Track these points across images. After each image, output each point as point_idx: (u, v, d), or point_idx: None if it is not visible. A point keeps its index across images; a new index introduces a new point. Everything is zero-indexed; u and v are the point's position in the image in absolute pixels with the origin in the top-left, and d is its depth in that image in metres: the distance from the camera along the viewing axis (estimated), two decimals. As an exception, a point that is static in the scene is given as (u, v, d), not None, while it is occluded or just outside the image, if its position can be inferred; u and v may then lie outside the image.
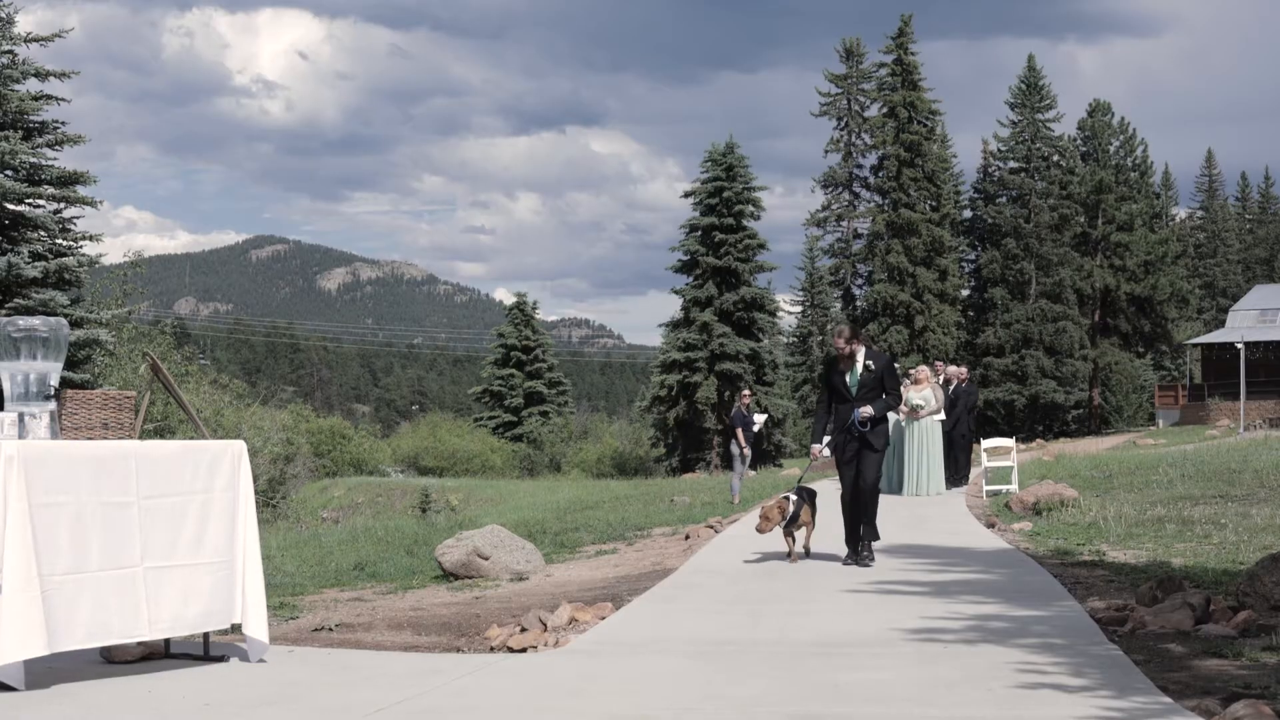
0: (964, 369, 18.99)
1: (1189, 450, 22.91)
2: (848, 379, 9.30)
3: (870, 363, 9.30)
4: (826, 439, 9.50)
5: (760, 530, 9.39)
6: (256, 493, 7.10)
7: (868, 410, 9.16)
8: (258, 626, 5.59)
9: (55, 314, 17.42)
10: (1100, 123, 55.46)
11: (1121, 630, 6.31)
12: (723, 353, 44.85)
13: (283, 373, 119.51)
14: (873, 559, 9.32)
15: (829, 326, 57.25)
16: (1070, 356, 53.36)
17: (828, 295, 58.66)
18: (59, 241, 20.77)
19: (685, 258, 46.86)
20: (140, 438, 5.58)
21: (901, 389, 13.25)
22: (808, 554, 9.68)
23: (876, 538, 9.54)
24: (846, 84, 54.53)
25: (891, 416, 12.40)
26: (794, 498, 9.40)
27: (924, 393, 16.33)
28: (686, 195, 47.23)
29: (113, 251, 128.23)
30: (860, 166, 54.28)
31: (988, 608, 7.15)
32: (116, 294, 27.65)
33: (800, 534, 9.62)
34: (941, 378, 17.94)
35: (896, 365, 12.61)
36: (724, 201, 46.16)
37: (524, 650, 6.01)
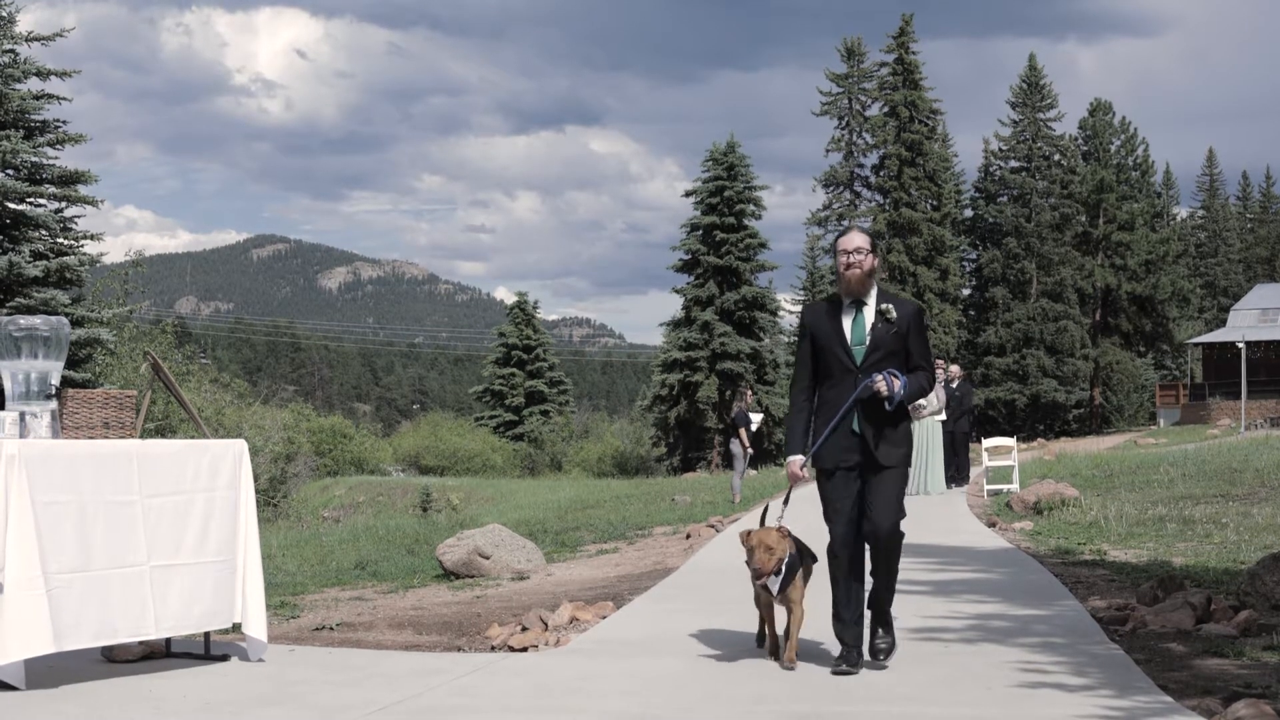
0: (957, 367, 19.01)
1: (1190, 450, 22.90)
2: (847, 329, 5.40)
3: (888, 307, 5.39)
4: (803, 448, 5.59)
5: (758, 569, 5.48)
6: (257, 492, 7.11)
7: (895, 384, 5.26)
8: (257, 626, 5.59)
9: (56, 313, 17.44)
10: (1101, 122, 55.45)
11: (1122, 630, 6.31)
12: (724, 352, 44.83)
13: (284, 372, 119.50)
14: (890, 649, 5.57)
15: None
16: (1071, 356, 53.36)
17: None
18: (60, 240, 20.81)
19: (686, 257, 46.86)
20: (141, 437, 5.58)
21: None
22: (787, 659, 5.56)
23: (891, 621, 5.65)
24: (847, 83, 54.49)
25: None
26: (790, 536, 5.56)
27: (926, 392, 16.34)
28: (688, 194, 47.24)
29: (114, 250, 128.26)
30: (861, 166, 54.28)
31: (988, 607, 7.15)
32: (117, 293, 27.64)
33: (781, 616, 5.70)
34: (943, 376, 17.95)
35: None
36: (725, 201, 46.14)
37: (525, 649, 6.01)
